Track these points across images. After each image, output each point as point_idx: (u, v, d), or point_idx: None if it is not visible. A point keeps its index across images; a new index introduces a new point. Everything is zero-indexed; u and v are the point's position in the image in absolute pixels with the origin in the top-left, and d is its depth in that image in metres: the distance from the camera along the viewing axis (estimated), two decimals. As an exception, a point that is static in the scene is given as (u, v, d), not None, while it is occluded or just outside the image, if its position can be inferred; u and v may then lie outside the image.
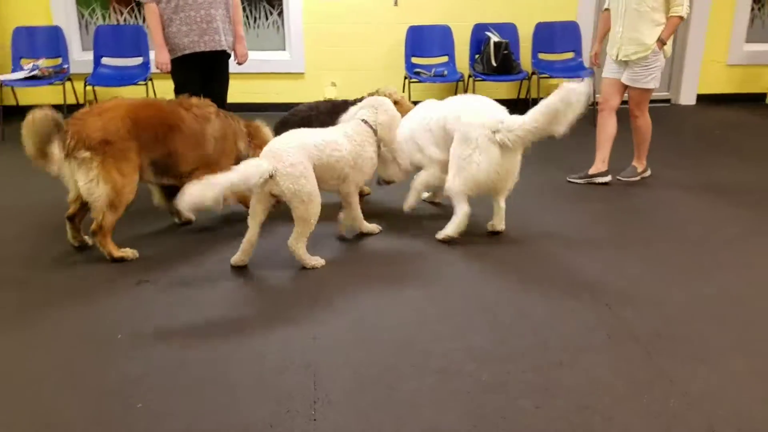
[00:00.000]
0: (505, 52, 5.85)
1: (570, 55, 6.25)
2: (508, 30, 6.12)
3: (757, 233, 3.51)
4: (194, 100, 3.46)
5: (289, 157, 2.93)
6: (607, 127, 4.34)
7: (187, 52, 4.02)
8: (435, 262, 3.19)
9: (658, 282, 2.99)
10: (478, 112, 3.29)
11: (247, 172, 2.81)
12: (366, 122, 3.31)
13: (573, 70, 6.10)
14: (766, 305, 2.78)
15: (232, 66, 4.28)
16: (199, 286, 2.95)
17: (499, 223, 3.47)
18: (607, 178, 4.36)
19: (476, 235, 3.47)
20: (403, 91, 5.90)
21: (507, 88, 6.40)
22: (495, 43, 5.86)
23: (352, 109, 3.46)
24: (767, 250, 3.31)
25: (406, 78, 6.05)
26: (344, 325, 2.63)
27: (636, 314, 2.70)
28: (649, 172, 4.45)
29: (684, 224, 3.66)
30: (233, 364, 2.36)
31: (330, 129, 3.26)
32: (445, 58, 6.18)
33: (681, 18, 4.05)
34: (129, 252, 3.21)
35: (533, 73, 6.16)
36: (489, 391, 2.21)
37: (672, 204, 3.97)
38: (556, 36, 6.25)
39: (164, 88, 4.80)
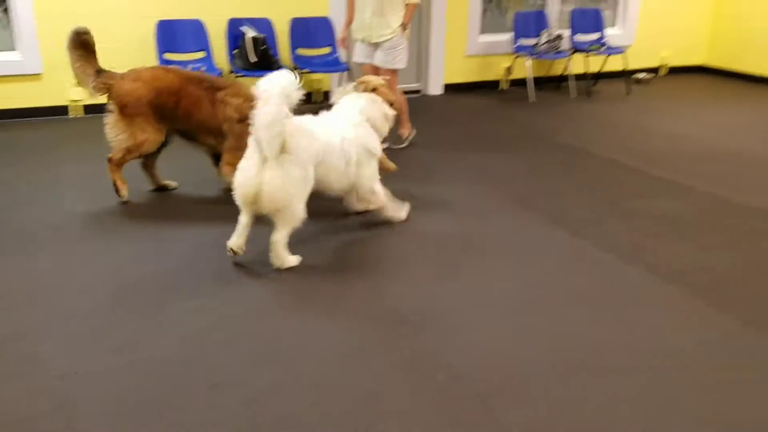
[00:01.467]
0: (263, 47, 5.80)
1: (327, 50, 6.40)
2: (264, 25, 6.08)
3: (509, 208, 3.92)
4: (230, 88, 3.80)
5: None
6: None
7: None
8: (195, 273, 3.06)
9: (419, 259, 3.20)
10: None
11: None
12: None
13: (331, 65, 6.26)
14: (524, 275, 3.12)
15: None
16: None
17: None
18: (414, 132, 5.17)
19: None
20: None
21: (269, 84, 6.37)
22: (252, 38, 5.78)
23: None
24: (518, 225, 3.71)
25: (161, 76, 5.71)
26: (104, 354, 2.40)
27: (401, 294, 2.86)
28: (414, 132, 5.10)
29: (444, 202, 3.95)
30: (-34, 422, 2.03)
31: None
32: (201, 54, 5.95)
33: (416, 5, 4.72)
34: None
35: (294, 68, 6.20)
36: (267, 396, 2.17)
37: (430, 181, 4.28)
38: (311, 31, 6.35)
39: None
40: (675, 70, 8.30)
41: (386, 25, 4.68)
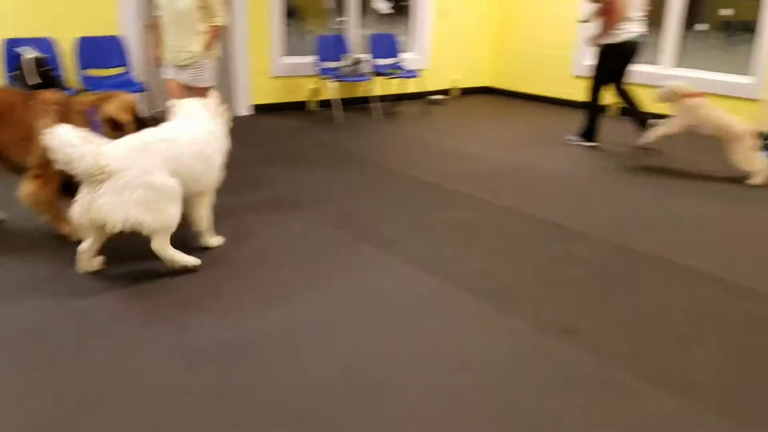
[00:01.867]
0: (45, 68, 5.34)
1: (120, 70, 6.06)
2: (46, 45, 5.60)
3: (318, 227, 3.96)
4: (50, 96, 3.42)
5: None
6: None
7: None
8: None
9: (225, 287, 3.11)
10: None
11: None
12: None
13: (125, 86, 5.92)
14: (333, 295, 3.15)
15: None
16: None
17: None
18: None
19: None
20: None
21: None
22: (30, 59, 5.30)
23: None
24: (327, 244, 3.76)
25: None
26: None
27: (209, 326, 2.76)
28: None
29: (250, 224, 3.90)
30: None
31: None
32: (-30, 76, 5.32)
33: (219, 27, 4.80)
34: None
35: (83, 90, 5.77)
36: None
37: (236, 203, 4.20)
38: (102, 51, 5.98)
39: None
40: (466, 92, 9.05)
41: (187, 49, 4.75)
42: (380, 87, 7.72)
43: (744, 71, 6.78)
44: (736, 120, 5.20)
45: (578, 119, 6.72)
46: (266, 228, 3.92)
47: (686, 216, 4.42)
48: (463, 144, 6.34)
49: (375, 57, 7.72)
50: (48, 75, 5.38)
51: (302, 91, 7.61)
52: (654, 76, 7.40)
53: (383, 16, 8.21)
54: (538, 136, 6.84)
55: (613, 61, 5.90)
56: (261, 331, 2.75)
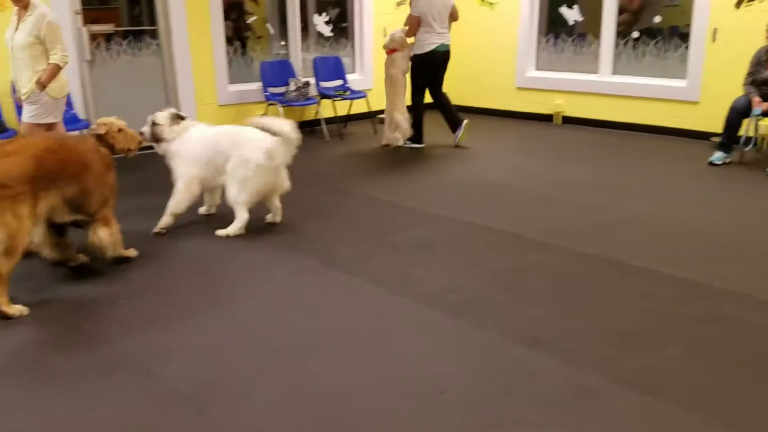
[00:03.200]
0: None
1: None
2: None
3: (281, 254, 3.92)
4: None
5: None
6: None
7: None
8: None
9: (190, 328, 3.05)
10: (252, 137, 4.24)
11: None
12: None
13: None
14: (284, 334, 3.12)
15: None
16: None
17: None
18: None
19: None
20: None
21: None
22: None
23: None
24: (291, 270, 3.72)
25: None
26: None
27: (176, 367, 2.69)
28: None
29: (212, 256, 3.83)
30: None
31: None
32: None
33: (57, 65, 4.63)
34: (17, 309, 3.12)
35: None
36: None
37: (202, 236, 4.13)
38: None
39: None
40: (411, 109, 9.12)
41: (24, 83, 4.65)
42: (328, 109, 7.73)
43: (679, 75, 7.08)
44: None
45: (519, 128, 6.88)
46: (224, 257, 3.85)
47: (637, 218, 4.56)
48: (412, 160, 6.40)
49: (320, 80, 7.73)
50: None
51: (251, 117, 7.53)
52: (594, 84, 7.69)
53: (325, 39, 8.25)
54: (483, 147, 6.96)
55: (423, 70, 6.66)
56: (230, 367, 2.69)
